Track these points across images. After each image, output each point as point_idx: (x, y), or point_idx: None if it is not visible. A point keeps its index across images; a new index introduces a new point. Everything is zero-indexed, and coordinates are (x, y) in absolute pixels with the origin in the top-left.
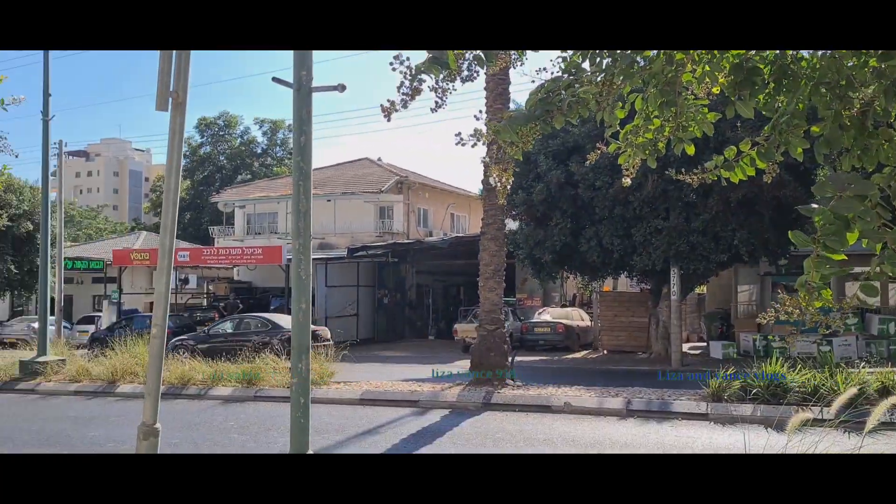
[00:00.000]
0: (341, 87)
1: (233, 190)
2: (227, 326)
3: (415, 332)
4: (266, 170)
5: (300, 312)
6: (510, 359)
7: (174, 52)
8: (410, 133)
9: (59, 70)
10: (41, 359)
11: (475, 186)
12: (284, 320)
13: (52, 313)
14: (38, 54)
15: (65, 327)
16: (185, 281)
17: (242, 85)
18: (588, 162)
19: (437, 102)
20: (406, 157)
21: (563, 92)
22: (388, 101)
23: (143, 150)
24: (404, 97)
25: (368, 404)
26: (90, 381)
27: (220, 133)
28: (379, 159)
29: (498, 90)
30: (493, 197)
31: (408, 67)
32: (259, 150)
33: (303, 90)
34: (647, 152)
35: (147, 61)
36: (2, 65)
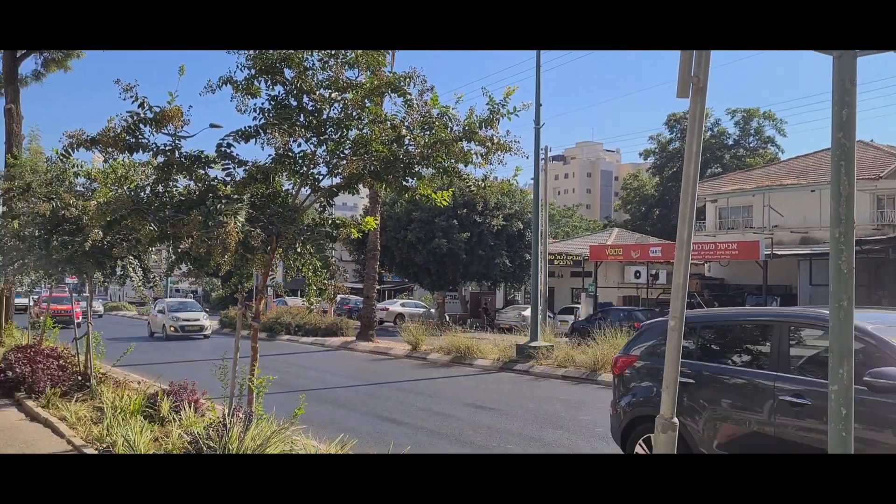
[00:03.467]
0: None
1: (703, 184)
2: None
3: None
4: (738, 162)
5: (841, 311)
6: None
7: None
8: None
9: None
10: (533, 344)
11: None
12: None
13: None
14: (531, 69)
15: (548, 317)
16: (656, 276)
17: (713, 76)
18: None
19: None
20: None
21: None
22: None
23: (612, 151)
24: None
25: None
26: (575, 368)
27: None
28: (871, 141)
29: None
30: None
31: None
32: (730, 142)
33: (845, 55)
34: None
35: (621, 68)
36: (512, 78)
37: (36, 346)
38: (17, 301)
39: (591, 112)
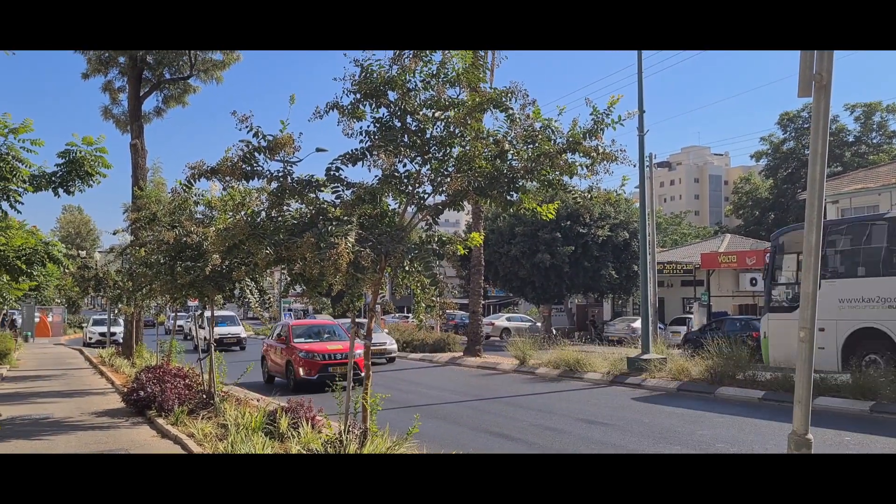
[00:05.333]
0: None
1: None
2: None
3: None
4: (860, 159)
5: None
6: None
7: None
8: None
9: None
10: (644, 356)
11: None
12: None
13: None
14: (633, 74)
15: (658, 328)
16: None
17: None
18: None
19: None
20: None
21: None
22: None
23: (721, 155)
24: None
25: None
26: (689, 381)
27: (805, 126)
28: None
29: None
30: None
31: None
32: (851, 139)
33: None
34: None
35: (725, 68)
36: (614, 85)
37: (164, 366)
38: (222, 330)
39: (695, 116)
